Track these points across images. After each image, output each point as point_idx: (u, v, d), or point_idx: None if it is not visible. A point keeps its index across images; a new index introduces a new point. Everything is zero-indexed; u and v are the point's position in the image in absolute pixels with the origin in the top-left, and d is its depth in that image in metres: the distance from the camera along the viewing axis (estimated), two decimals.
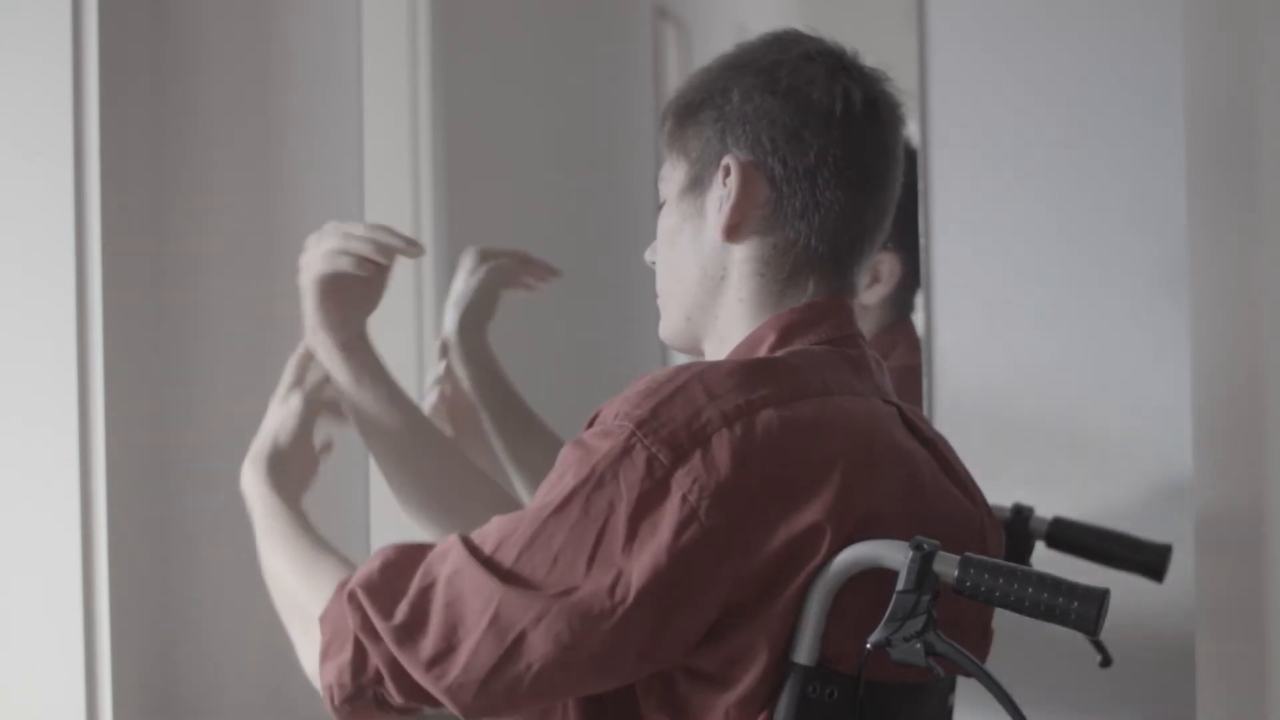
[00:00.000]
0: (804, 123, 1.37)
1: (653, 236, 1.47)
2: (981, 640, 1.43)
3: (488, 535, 1.30)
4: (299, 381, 1.65)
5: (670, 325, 1.46)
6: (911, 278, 1.95)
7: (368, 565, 1.35)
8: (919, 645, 1.22)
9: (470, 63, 2.26)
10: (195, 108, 2.04)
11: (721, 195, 1.39)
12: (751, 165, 1.38)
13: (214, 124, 2.05)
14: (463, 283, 1.90)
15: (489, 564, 1.28)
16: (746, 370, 1.31)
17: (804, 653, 1.26)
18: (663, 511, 1.24)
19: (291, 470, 1.60)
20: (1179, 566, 1.79)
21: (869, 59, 1.43)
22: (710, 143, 1.40)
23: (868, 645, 1.24)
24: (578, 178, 2.16)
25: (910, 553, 1.23)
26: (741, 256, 1.40)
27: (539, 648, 1.26)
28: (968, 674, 1.26)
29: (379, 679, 1.32)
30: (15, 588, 1.93)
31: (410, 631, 1.30)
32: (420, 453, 1.64)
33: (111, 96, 1.93)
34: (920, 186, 1.93)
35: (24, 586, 1.93)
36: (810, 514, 1.26)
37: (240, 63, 2.05)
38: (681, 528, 1.24)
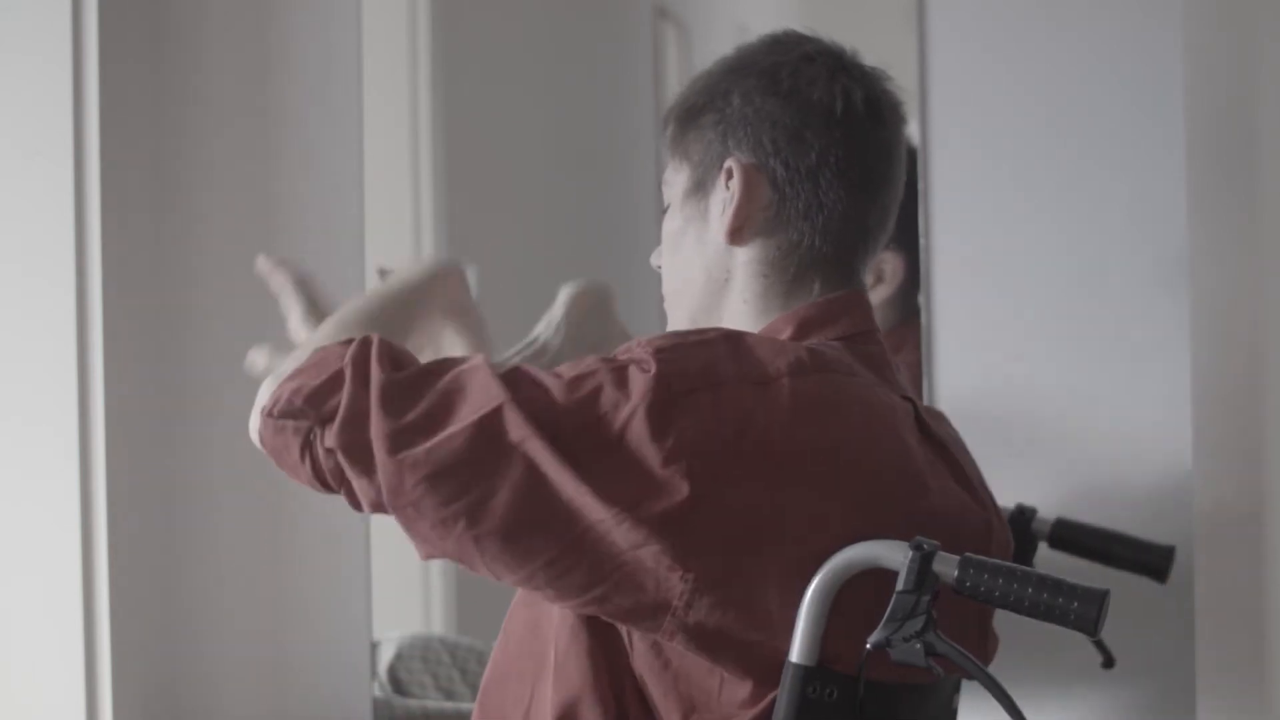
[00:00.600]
0: (805, 123, 1.38)
1: (653, 236, 1.47)
2: (982, 641, 1.43)
3: (505, 366, 1.30)
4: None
5: (677, 327, 1.46)
6: (916, 278, 1.95)
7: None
8: (919, 645, 1.22)
9: (470, 63, 2.26)
10: (195, 107, 2.04)
11: (724, 198, 1.39)
12: (754, 167, 1.38)
13: (214, 124, 2.05)
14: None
15: (500, 374, 1.27)
16: (773, 344, 1.32)
17: (803, 653, 1.26)
18: (659, 431, 1.24)
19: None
20: (1179, 566, 1.79)
21: (869, 59, 1.43)
22: (712, 145, 1.40)
23: (867, 645, 1.24)
24: (578, 178, 2.16)
25: (910, 553, 1.23)
26: (745, 259, 1.40)
27: (515, 467, 1.24)
28: (968, 675, 1.27)
29: (329, 417, 1.29)
30: (15, 588, 1.93)
31: (402, 392, 1.27)
32: None
33: (111, 96, 1.93)
34: (920, 186, 1.93)
35: (24, 586, 1.93)
36: (804, 490, 1.26)
37: (240, 62, 2.05)
38: (671, 455, 1.23)
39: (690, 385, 1.25)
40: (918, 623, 1.22)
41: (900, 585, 1.23)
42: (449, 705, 2.15)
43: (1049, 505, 1.79)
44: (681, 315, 1.45)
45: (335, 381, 1.30)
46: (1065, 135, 1.90)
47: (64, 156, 1.91)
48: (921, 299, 1.94)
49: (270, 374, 1.38)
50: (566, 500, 1.24)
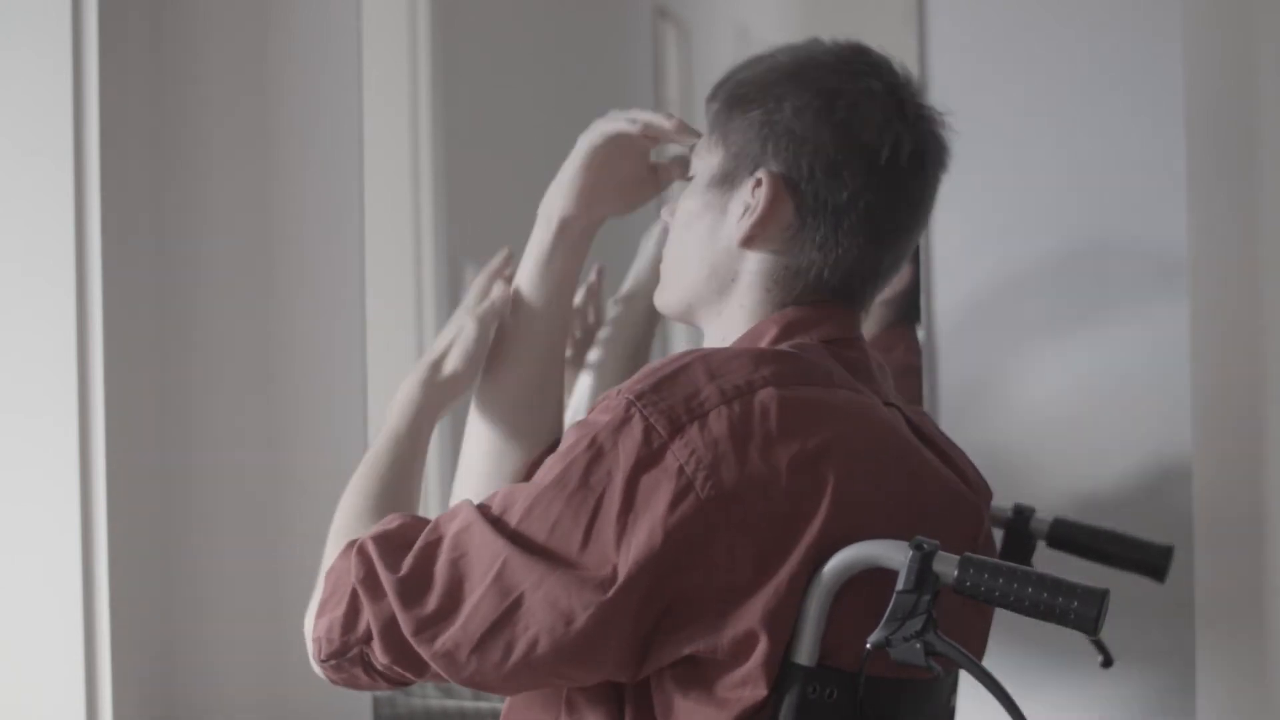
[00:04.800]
0: (846, 160, 1.37)
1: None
2: (981, 642, 1.44)
3: (495, 499, 1.32)
4: (484, 296, 1.61)
5: (669, 301, 1.47)
6: (917, 283, 1.95)
7: (383, 524, 1.36)
8: (919, 645, 1.23)
9: (470, 63, 2.26)
10: (195, 107, 2.04)
11: (748, 202, 1.39)
12: (783, 185, 1.37)
13: (214, 124, 2.05)
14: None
15: (496, 523, 1.29)
16: (751, 355, 1.32)
17: (804, 653, 1.26)
18: (659, 482, 1.25)
19: (448, 383, 1.56)
20: (1179, 566, 1.79)
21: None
22: (751, 143, 1.39)
23: (868, 645, 1.24)
24: None
25: (910, 553, 1.23)
26: (752, 267, 1.40)
27: (537, 613, 1.26)
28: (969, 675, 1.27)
29: (367, 637, 1.32)
30: (15, 588, 1.93)
31: (415, 584, 1.30)
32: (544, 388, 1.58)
33: (111, 96, 1.93)
34: None
35: (24, 587, 1.93)
36: (804, 493, 1.26)
37: (240, 62, 2.05)
38: (677, 500, 1.25)
39: (675, 427, 1.26)
40: (918, 622, 1.23)
41: (900, 585, 1.23)
42: (450, 703, 2.15)
43: (1049, 505, 1.79)
44: (676, 294, 1.45)
45: (355, 605, 1.33)
46: (1065, 135, 1.90)
47: (64, 156, 1.91)
48: (922, 300, 1.94)
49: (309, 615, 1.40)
50: (596, 611, 1.25)
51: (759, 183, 1.38)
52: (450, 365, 1.56)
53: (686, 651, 1.27)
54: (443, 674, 1.31)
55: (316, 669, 1.38)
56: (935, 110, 1.42)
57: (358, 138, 2.06)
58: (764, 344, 1.38)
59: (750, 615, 1.26)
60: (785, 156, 1.37)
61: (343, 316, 2.05)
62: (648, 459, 1.26)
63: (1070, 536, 1.77)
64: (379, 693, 2.14)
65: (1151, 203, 1.87)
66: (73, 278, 1.91)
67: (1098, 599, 1.21)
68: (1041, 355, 1.91)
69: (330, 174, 2.06)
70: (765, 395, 1.28)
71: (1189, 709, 1.84)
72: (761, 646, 1.26)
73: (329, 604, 1.35)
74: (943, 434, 1.46)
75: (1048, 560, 1.76)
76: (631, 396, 1.28)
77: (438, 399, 1.56)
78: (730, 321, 1.41)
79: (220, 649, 2.03)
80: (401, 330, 2.21)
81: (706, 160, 1.43)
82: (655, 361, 1.34)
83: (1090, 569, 1.76)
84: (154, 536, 2.00)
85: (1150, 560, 1.77)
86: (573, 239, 1.55)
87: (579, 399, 1.81)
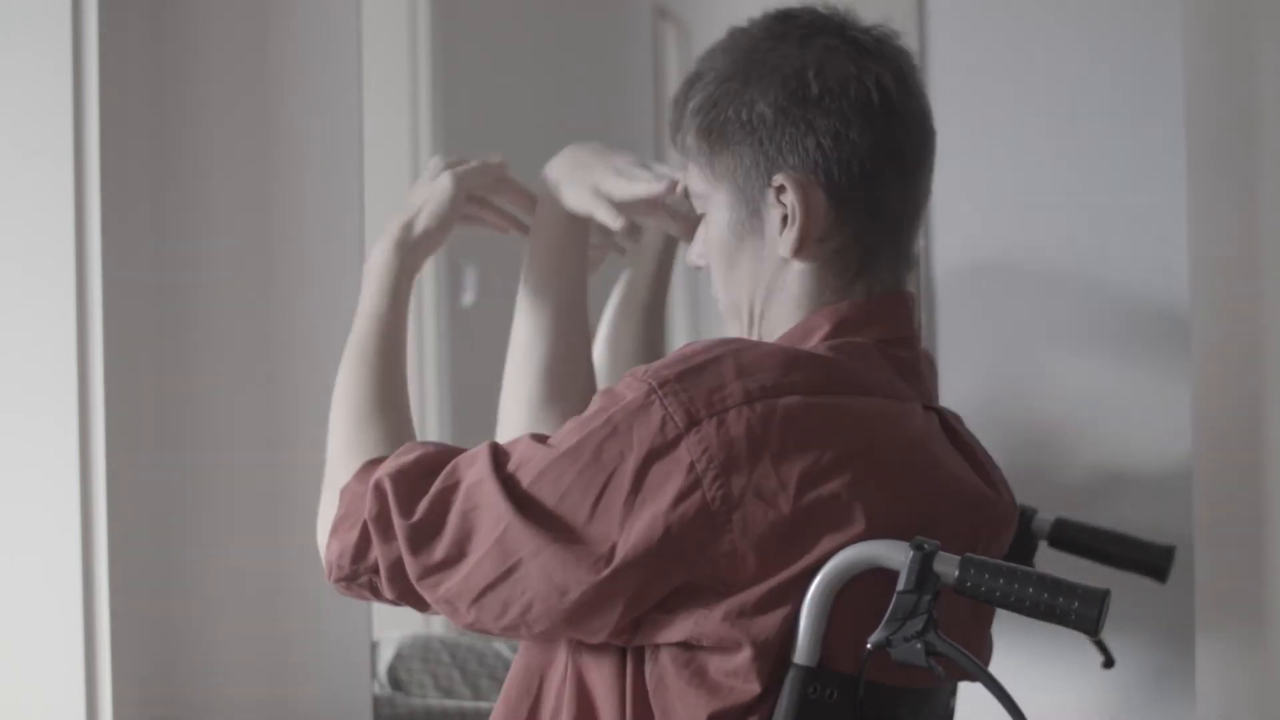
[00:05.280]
0: (848, 124, 1.35)
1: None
2: (981, 642, 1.43)
3: (514, 450, 1.32)
4: (453, 166, 1.63)
5: (737, 333, 1.45)
6: (916, 280, 1.94)
7: (400, 456, 1.37)
8: (919, 645, 1.22)
9: (470, 62, 2.26)
10: (195, 107, 2.04)
11: (783, 213, 1.37)
12: (806, 180, 1.36)
13: (214, 124, 2.05)
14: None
15: (507, 482, 1.30)
16: (784, 356, 1.30)
17: (804, 654, 1.26)
18: (669, 473, 1.25)
19: (420, 242, 1.59)
20: (1179, 566, 1.79)
21: (863, 14, 1.40)
22: (757, 166, 1.37)
23: (868, 645, 1.24)
24: None
25: (911, 553, 1.23)
26: (802, 266, 1.39)
27: (533, 580, 1.28)
28: (969, 677, 1.27)
29: (374, 569, 1.35)
30: (15, 588, 1.93)
31: (426, 531, 1.32)
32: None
33: (111, 96, 1.93)
34: None
35: (24, 586, 1.93)
36: (824, 501, 1.26)
37: (240, 62, 2.05)
38: (683, 495, 1.24)
39: (692, 420, 1.26)
40: (918, 622, 1.23)
41: (901, 585, 1.23)
42: (450, 703, 2.16)
43: (1049, 505, 1.79)
44: (741, 323, 1.44)
45: (365, 537, 1.36)
46: (1065, 135, 1.90)
47: (64, 156, 1.91)
48: (922, 300, 1.94)
49: (320, 526, 1.44)
50: (589, 588, 1.26)
51: (781, 189, 1.36)
52: (422, 223, 1.58)
53: (678, 639, 1.28)
54: (447, 618, 1.34)
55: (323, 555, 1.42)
56: (880, 28, 1.41)
57: (358, 138, 2.06)
58: (814, 340, 1.36)
59: (744, 613, 1.25)
60: (794, 155, 1.36)
61: (343, 317, 2.04)
62: (661, 448, 1.25)
63: (1071, 537, 1.77)
64: (379, 692, 2.15)
65: (1151, 203, 1.87)
66: (73, 278, 1.91)
67: (1098, 599, 1.21)
68: (1042, 355, 1.91)
69: (330, 174, 2.06)
70: (790, 402, 1.27)
71: (1189, 709, 1.84)
72: (749, 646, 1.26)
73: (343, 525, 1.38)
74: (978, 442, 1.45)
75: (1048, 560, 1.76)
76: (655, 383, 1.27)
77: (411, 261, 1.58)
78: (781, 316, 1.40)
79: (220, 649, 2.03)
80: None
81: (715, 201, 1.41)
82: (688, 345, 1.32)
83: (1091, 569, 1.76)
84: (154, 536, 2.00)
85: (1151, 560, 1.77)
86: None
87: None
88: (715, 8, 2.24)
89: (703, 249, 1.45)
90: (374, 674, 2.15)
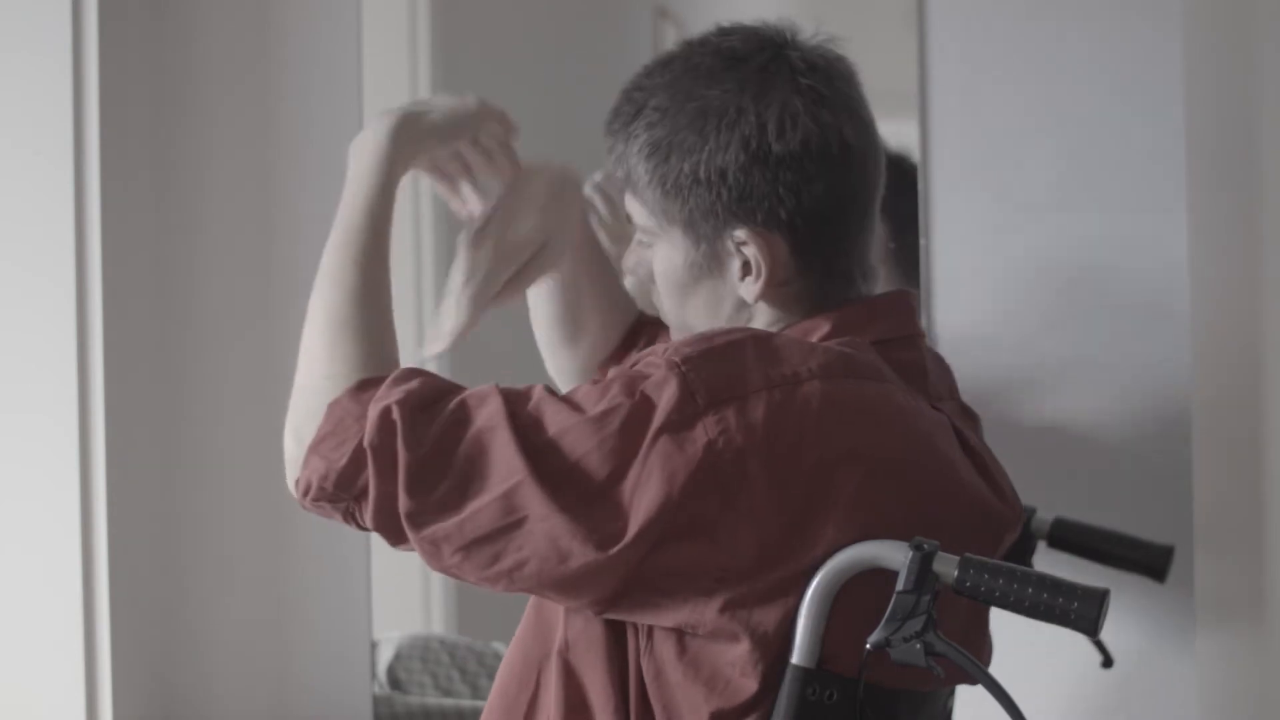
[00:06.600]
0: (809, 179, 1.34)
1: None
2: (980, 642, 1.43)
3: (528, 401, 1.28)
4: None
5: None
6: (916, 280, 1.94)
7: (403, 383, 1.30)
8: (919, 646, 1.22)
9: (470, 63, 2.26)
10: (195, 107, 2.04)
11: (743, 260, 1.36)
12: (767, 230, 1.35)
13: (214, 123, 2.05)
14: None
15: (522, 435, 1.26)
16: (803, 345, 1.30)
17: (803, 654, 1.26)
18: (683, 449, 1.24)
19: (427, 133, 1.47)
20: (1179, 566, 1.79)
21: (810, 34, 1.37)
22: (716, 216, 1.36)
23: (867, 646, 1.24)
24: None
25: (910, 553, 1.23)
26: (768, 303, 1.39)
27: (536, 540, 1.25)
28: (970, 677, 1.26)
29: (360, 496, 1.29)
30: (15, 588, 1.93)
31: (430, 469, 1.26)
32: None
33: (111, 96, 1.93)
34: (920, 188, 1.92)
35: (24, 587, 1.93)
36: (836, 497, 1.26)
37: (240, 62, 2.05)
38: (696, 473, 1.23)
39: (714, 400, 1.25)
40: (918, 623, 1.22)
41: (900, 585, 1.23)
42: (449, 702, 2.15)
43: (1049, 505, 1.79)
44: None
45: (358, 462, 1.28)
46: (1065, 136, 1.90)
47: (64, 156, 1.91)
48: (922, 300, 1.94)
49: (289, 427, 1.36)
50: (591, 562, 1.24)
51: (743, 242, 1.35)
52: (434, 117, 1.47)
53: (670, 624, 1.27)
54: (421, 556, 1.28)
55: (292, 492, 1.34)
56: (823, 48, 1.38)
57: None
58: (814, 339, 1.35)
59: (743, 604, 1.25)
60: (756, 208, 1.34)
61: None
62: (679, 423, 1.24)
63: (1070, 536, 1.77)
64: (378, 692, 2.14)
65: (1151, 203, 1.87)
66: (73, 278, 1.91)
67: (1098, 599, 1.21)
68: (1041, 355, 1.91)
69: (330, 174, 2.06)
70: (810, 389, 1.26)
71: (1189, 709, 1.84)
72: (748, 638, 1.26)
73: (326, 443, 1.30)
74: (985, 444, 1.45)
75: (1048, 560, 1.76)
76: (678, 359, 1.26)
77: (410, 151, 1.45)
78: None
79: (220, 650, 2.03)
80: (401, 330, 2.21)
81: (664, 236, 1.39)
82: (710, 329, 1.31)
83: (1090, 569, 1.76)
84: (154, 536, 2.00)
85: (1150, 560, 1.77)
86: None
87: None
88: (715, 8, 2.23)
89: (639, 267, 1.44)
90: (373, 673, 2.15)
